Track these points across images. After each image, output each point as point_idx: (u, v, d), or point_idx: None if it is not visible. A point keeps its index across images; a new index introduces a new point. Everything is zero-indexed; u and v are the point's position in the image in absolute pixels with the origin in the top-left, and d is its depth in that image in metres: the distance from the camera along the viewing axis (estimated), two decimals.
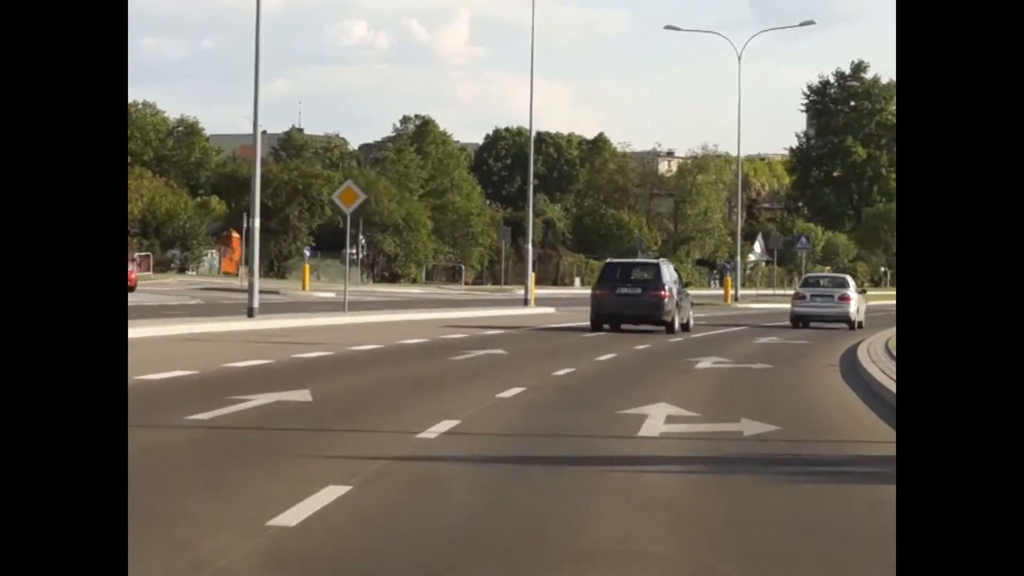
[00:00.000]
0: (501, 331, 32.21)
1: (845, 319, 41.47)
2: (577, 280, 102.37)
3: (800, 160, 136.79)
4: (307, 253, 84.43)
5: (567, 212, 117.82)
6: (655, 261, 37.11)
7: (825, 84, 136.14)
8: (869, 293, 51.65)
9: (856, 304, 42.03)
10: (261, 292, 33.22)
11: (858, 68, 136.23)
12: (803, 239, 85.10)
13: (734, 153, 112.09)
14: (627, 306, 34.00)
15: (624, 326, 34.30)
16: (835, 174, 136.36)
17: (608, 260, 39.37)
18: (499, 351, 24.34)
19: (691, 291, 39.07)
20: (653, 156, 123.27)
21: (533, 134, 53.39)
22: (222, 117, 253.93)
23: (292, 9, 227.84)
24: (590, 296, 35.88)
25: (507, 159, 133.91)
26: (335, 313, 37.22)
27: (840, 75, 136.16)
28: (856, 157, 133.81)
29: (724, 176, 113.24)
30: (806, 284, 44.65)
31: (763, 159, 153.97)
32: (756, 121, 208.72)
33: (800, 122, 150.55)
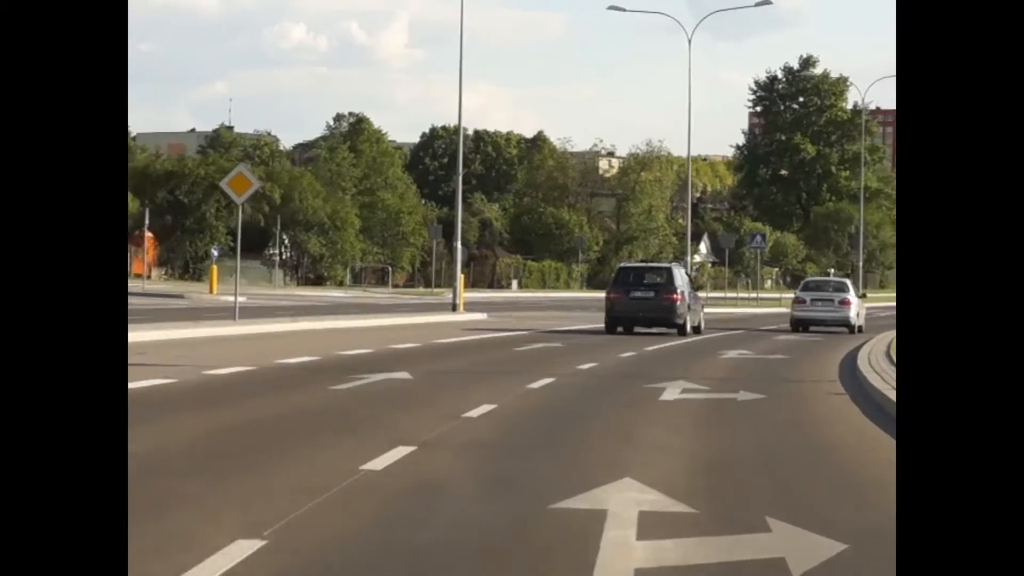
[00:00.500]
0: (411, 348, 26.21)
1: (845, 323, 41.54)
2: (514, 282, 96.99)
3: (747, 158, 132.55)
4: (215, 253, 76.77)
5: (505, 212, 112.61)
6: (667, 265, 38.07)
7: (773, 80, 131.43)
8: None
9: (856, 308, 42.15)
10: (164, 296, 31.03)
11: (807, 63, 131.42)
12: (758, 238, 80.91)
13: (676, 153, 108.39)
14: (641, 309, 34.88)
15: (637, 329, 35.19)
16: (782, 172, 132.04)
17: (621, 264, 41.81)
18: (401, 374, 18.49)
19: None
20: (594, 155, 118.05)
21: (461, 119, 47.93)
22: (164, 117, 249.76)
23: (232, 10, 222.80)
24: (604, 299, 36.68)
25: (443, 158, 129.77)
26: (222, 323, 31.47)
27: (788, 70, 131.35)
28: (804, 154, 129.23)
29: (667, 175, 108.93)
30: (806, 288, 44.62)
31: (705, 160, 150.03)
32: (699, 124, 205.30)
33: (743, 122, 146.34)
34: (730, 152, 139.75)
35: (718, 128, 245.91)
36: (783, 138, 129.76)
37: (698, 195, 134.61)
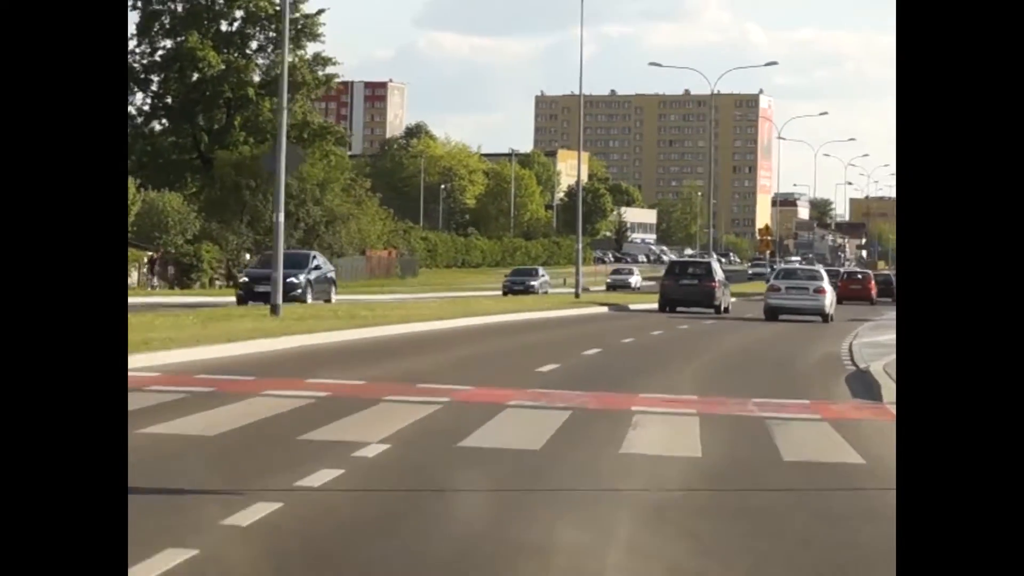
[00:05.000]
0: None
1: (820, 312, 41.99)
2: None
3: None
4: None
5: None
6: (707, 260, 51.23)
7: None
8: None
9: (830, 297, 42.85)
10: None
11: None
12: None
13: None
14: (688, 293, 46.57)
15: (680, 309, 46.54)
16: (168, 100, 76.76)
17: (671, 259, 56.09)
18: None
19: None
20: None
21: None
22: None
23: None
24: (660, 285, 50.72)
25: None
26: None
27: None
28: (206, 69, 74.14)
29: None
30: (781, 276, 45.28)
31: None
32: None
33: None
34: None
35: None
36: (169, 44, 75.78)
37: None
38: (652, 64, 71.83)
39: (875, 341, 28.38)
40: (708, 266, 48.18)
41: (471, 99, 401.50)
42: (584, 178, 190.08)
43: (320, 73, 74.86)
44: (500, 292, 67.31)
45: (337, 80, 78.35)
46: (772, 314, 41.95)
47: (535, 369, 19.37)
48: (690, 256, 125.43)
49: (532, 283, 70.54)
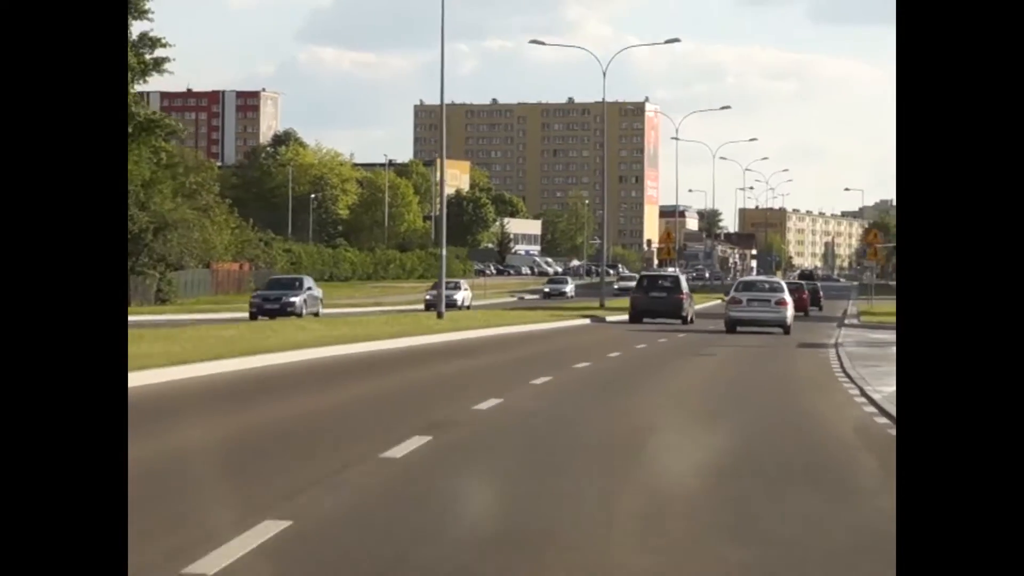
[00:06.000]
0: None
1: (782, 324, 41.62)
2: None
3: None
4: None
5: None
6: (676, 273, 54.81)
7: None
8: None
9: (791, 309, 42.61)
10: None
11: None
12: None
13: None
14: (658, 305, 49.32)
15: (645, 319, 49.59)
16: None
17: (642, 272, 61.77)
18: None
19: None
20: None
21: None
22: None
23: None
24: (630, 298, 52.29)
25: None
26: None
27: None
28: None
29: None
30: (741, 288, 44.53)
31: None
32: None
33: None
34: None
35: None
36: None
37: None
38: (533, 42, 67.59)
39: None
40: (677, 279, 51.42)
41: (353, 113, 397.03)
42: (465, 187, 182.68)
43: (148, 57, 64.48)
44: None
45: (168, 64, 67.75)
46: (732, 326, 41.75)
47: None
48: (575, 267, 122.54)
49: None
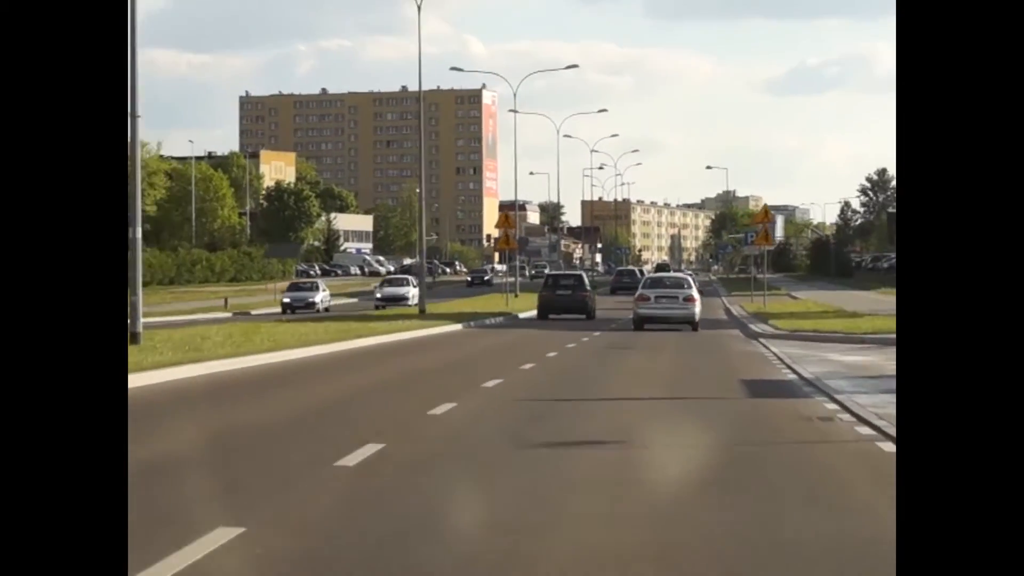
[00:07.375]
0: None
1: (690, 320, 41.90)
2: None
3: None
4: None
5: None
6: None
7: None
8: None
9: (699, 305, 43.06)
10: None
11: None
12: None
13: None
14: (564, 302, 51.81)
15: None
16: None
17: (547, 271, 72.44)
18: None
19: None
20: None
21: None
22: None
23: None
24: (538, 296, 54.06)
25: None
26: None
27: None
28: None
29: None
30: (648, 285, 44.62)
31: None
32: None
33: None
34: None
35: None
36: None
37: None
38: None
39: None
40: (580, 277, 54.73)
41: (191, 115, 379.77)
42: (289, 180, 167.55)
43: None
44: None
45: None
46: (640, 323, 42.08)
47: None
48: (408, 265, 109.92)
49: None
